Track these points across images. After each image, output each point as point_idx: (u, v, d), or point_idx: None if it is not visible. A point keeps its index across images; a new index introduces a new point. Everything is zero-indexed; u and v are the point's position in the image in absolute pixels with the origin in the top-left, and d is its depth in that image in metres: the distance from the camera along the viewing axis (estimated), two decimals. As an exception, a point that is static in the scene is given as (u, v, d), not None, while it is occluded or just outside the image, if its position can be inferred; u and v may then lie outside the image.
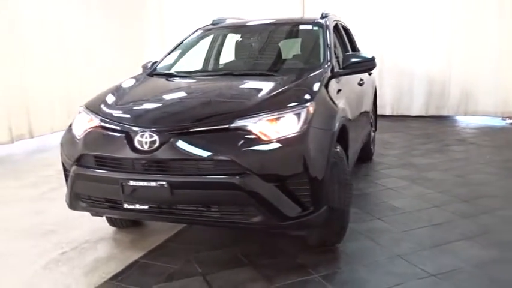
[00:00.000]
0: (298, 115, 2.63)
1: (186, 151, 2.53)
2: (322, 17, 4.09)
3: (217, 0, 9.03)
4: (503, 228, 3.39)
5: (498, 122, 8.03)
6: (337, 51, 4.20)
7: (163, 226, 3.56)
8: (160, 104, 2.97)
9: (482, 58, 7.91)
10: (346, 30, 5.10)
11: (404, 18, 8.39)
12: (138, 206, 2.63)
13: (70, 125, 3.06)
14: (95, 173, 2.72)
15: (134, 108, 2.94)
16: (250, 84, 3.24)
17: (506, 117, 8.03)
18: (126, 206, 2.65)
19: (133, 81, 3.52)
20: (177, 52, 4.09)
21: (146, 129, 2.60)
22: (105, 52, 8.22)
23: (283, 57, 3.88)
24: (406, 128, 7.71)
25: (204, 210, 2.60)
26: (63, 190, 3.09)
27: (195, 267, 2.93)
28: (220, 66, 4.19)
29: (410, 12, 8.35)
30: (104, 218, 3.44)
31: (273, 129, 2.57)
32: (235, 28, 4.36)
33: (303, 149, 2.55)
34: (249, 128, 2.56)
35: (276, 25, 4.27)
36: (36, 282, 2.82)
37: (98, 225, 3.57)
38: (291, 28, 4.21)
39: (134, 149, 2.59)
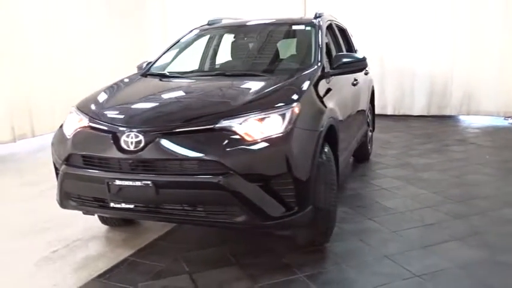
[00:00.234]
0: (283, 116, 2.65)
1: (171, 151, 2.56)
2: (315, 17, 4.09)
3: (220, -1, 9.06)
4: (493, 230, 3.38)
5: (500, 122, 7.96)
6: (331, 51, 4.23)
7: (155, 225, 3.60)
8: (148, 105, 3.00)
9: (485, 58, 7.86)
10: (343, 30, 5.10)
11: (406, 18, 8.34)
12: (124, 205, 2.67)
13: (61, 125, 3.11)
14: (82, 172, 2.77)
15: (122, 108, 2.97)
16: (239, 84, 3.26)
17: (508, 117, 7.96)
18: (112, 205, 2.69)
19: (125, 81, 3.56)
20: (172, 52, 4.13)
21: (132, 130, 2.63)
22: (107, 52, 8.28)
23: (275, 57, 3.89)
24: (407, 127, 7.68)
25: (189, 209, 2.63)
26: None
27: (183, 265, 2.96)
28: (212, 67, 4.21)
29: (412, 11, 8.30)
30: (97, 216, 3.49)
31: (257, 129, 2.59)
32: (229, 28, 4.38)
33: (286, 149, 2.57)
34: (233, 128, 2.58)
35: (269, 25, 4.28)
36: (25, 280, 2.87)
37: (92, 224, 3.62)
38: (283, 28, 4.22)
39: (120, 149, 2.63)
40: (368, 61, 7.34)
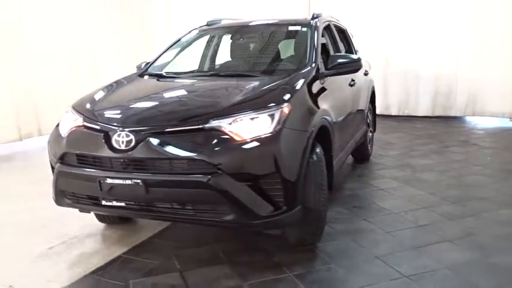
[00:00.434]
0: (272, 116, 2.68)
1: (160, 150, 2.60)
2: (313, 18, 4.12)
3: (225, -1, 9.10)
4: (486, 231, 3.37)
5: (506, 124, 7.89)
6: (328, 52, 4.25)
7: (151, 223, 3.65)
8: (140, 105, 3.05)
9: (490, 58, 7.78)
10: (342, 31, 5.12)
11: (411, 20, 8.30)
12: (115, 203, 2.72)
13: (57, 124, 3.17)
14: (76, 171, 2.83)
15: (115, 108, 3.02)
16: (231, 85, 3.29)
17: (514, 119, 7.90)
18: (104, 203, 2.74)
19: (121, 81, 3.62)
20: (170, 53, 4.18)
21: (123, 129, 2.68)
22: (112, 51, 8.36)
23: (270, 58, 3.92)
24: (410, 128, 7.65)
25: (179, 208, 2.68)
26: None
27: (174, 263, 3.01)
28: (208, 68, 4.25)
29: (417, 13, 8.25)
30: (93, 214, 3.55)
31: (246, 129, 2.62)
32: (227, 29, 4.42)
33: (274, 149, 2.60)
34: (222, 128, 2.62)
35: (266, 26, 4.30)
36: (21, 275, 2.93)
37: (89, 222, 3.66)
38: (280, 29, 4.24)
39: (112, 148, 2.68)
40: (373, 62, 7.37)
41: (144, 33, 9.16)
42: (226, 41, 4.34)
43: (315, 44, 3.68)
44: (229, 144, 2.58)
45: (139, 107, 3.00)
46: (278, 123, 2.66)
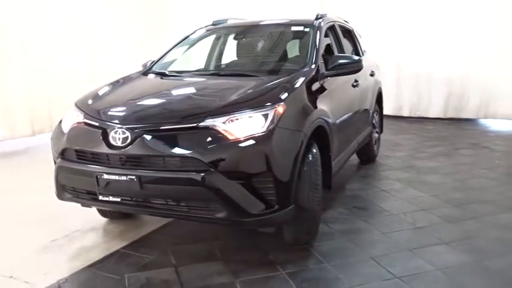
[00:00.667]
0: (266, 115, 2.71)
1: (155, 148, 2.66)
2: (317, 18, 4.13)
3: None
4: (484, 235, 3.35)
5: (519, 126, 7.78)
6: (332, 52, 4.25)
7: (152, 219, 3.70)
8: (139, 102, 3.10)
9: (504, 60, 7.67)
10: (349, 32, 5.11)
11: (424, 21, 8.22)
12: (111, 198, 2.79)
13: (60, 120, 3.26)
14: (75, 166, 2.90)
15: (114, 105, 3.09)
16: (230, 84, 3.33)
17: (528, 121, 7.77)
18: (101, 198, 2.81)
19: (124, 79, 3.69)
20: (175, 52, 4.24)
21: (120, 126, 2.75)
22: (126, 51, 8.49)
23: (271, 58, 3.96)
24: (421, 130, 7.59)
25: (173, 204, 2.73)
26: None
27: (170, 259, 3.07)
28: (210, 67, 4.29)
29: (430, 14, 8.17)
30: (96, 209, 3.63)
31: (239, 128, 2.66)
32: (230, 29, 4.45)
33: (267, 148, 2.63)
34: (216, 127, 2.66)
35: (270, 26, 4.33)
36: (22, 266, 3.01)
37: (93, 216, 3.74)
38: (282, 29, 4.26)
39: (109, 144, 2.75)
40: (385, 63, 7.37)
41: (157, 33, 9.27)
42: (230, 41, 4.38)
43: (317, 44, 3.69)
44: (222, 142, 2.62)
45: (137, 105, 3.06)
46: (271, 122, 2.69)
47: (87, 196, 2.97)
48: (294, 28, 4.19)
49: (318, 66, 3.51)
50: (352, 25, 5.38)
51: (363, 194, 4.34)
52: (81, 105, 3.17)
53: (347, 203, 4.06)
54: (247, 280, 2.76)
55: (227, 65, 4.13)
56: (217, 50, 4.41)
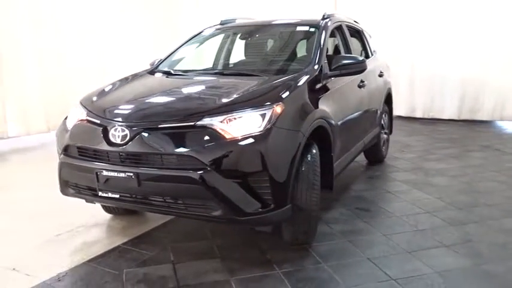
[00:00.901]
0: (263, 115, 2.73)
1: (153, 145, 2.70)
2: (323, 18, 4.12)
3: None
4: (487, 239, 3.30)
5: (535, 129, 7.63)
6: (339, 53, 4.25)
7: (155, 216, 3.75)
8: (139, 100, 3.15)
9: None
10: (358, 32, 5.09)
11: (438, 22, 8.15)
12: (110, 195, 2.84)
13: (65, 117, 3.32)
14: (76, 162, 2.96)
15: (115, 103, 3.14)
16: (231, 83, 3.35)
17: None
18: (100, 194, 2.87)
19: (129, 78, 3.75)
20: (182, 51, 4.28)
21: (119, 124, 2.80)
22: (140, 49, 8.59)
23: (276, 57, 3.96)
24: (433, 131, 7.50)
25: (171, 202, 2.77)
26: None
27: (169, 255, 3.11)
28: (215, 66, 4.32)
29: (445, 15, 8.08)
30: (100, 205, 3.69)
31: (236, 128, 2.68)
32: (236, 29, 4.47)
33: (263, 148, 2.64)
34: (214, 126, 2.69)
35: (276, 26, 4.34)
36: (25, 259, 3.09)
37: (98, 212, 3.80)
38: (288, 29, 4.26)
39: (109, 141, 2.80)
40: (398, 64, 7.33)
41: (171, 31, 9.35)
42: (236, 40, 4.40)
43: (321, 44, 3.69)
44: (219, 141, 2.64)
45: (138, 103, 3.10)
46: (269, 122, 2.71)
47: (88, 192, 3.02)
48: (299, 28, 4.20)
49: (322, 66, 3.50)
50: (362, 25, 5.35)
51: (367, 195, 4.32)
52: (84, 103, 3.23)
53: (350, 204, 4.05)
54: (243, 278, 2.78)
55: (232, 64, 4.17)
56: (224, 49, 4.44)
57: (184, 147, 2.65)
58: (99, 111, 3.02)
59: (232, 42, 4.43)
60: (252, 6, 8.98)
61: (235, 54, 4.31)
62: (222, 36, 4.49)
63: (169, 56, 4.22)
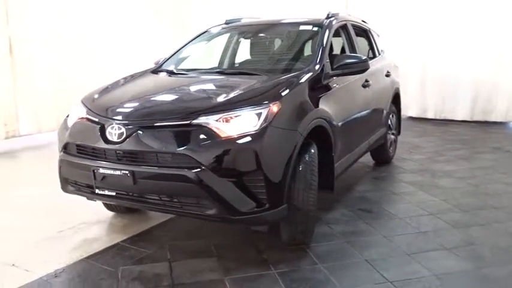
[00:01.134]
0: (259, 114, 2.71)
1: (148, 144, 2.71)
2: (327, 17, 4.08)
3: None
4: (489, 242, 3.23)
5: (550, 131, 7.46)
6: (344, 52, 4.21)
7: (157, 214, 3.74)
8: (137, 99, 3.15)
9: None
10: (365, 31, 5.04)
11: (450, 22, 8.04)
12: (107, 192, 2.86)
13: (67, 116, 3.36)
14: (75, 160, 2.99)
15: (114, 102, 3.16)
16: (230, 82, 3.35)
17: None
18: (97, 191, 2.89)
19: (132, 76, 3.77)
20: (187, 50, 4.28)
21: (116, 122, 2.81)
22: (150, 49, 8.64)
23: (278, 56, 3.96)
24: (444, 132, 7.39)
25: (167, 200, 2.77)
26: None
27: (166, 253, 3.11)
28: (217, 65, 4.32)
29: (457, 16, 7.96)
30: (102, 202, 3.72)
31: (232, 126, 2.67)
32: (241, 28, 4.46)
33: (258, 147, 2.62)
34: (209, 124, 2.68)
35: (279, 25, 4.33)
36: (25, 255, 3.13)
37: (100, 209, 3.83)
38: (291, 28, 4.24)
39: (106, 139, 2.82)
40: (409, 64, 7.24)
41: (182, 31, 9.40)
42: (240, 40, 4.39)
43: (324, 43, 3.66)
44: (214, 140, 2.63)
45: (136, 102, 3.11)
46: (264, 121, 2.69)
47: (87, 189, 3.04)
48: (303, 27, 4.17)
49: (323, 65, 3.47)
50: (369, 24, 5.30)
51: (370, 196, 4.26)
52: (85, 101, 3.26)
53: (352, 205, 4.00)
54: (237, 278, 2.77)
55: (234, 63, 4.16)
56: (227, 48, 4.43)
57: (179, 145, 2.65)
58: (98, 110, 3.05)
59: (236, 42, 4.42)
60: (262, 5, 8.97)
61: (239, 53, 4.30)
62: (226, 35, 4.48)
63: (173, 55, 4.24)
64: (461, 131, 7.51)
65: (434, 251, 3.10)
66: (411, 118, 8.65)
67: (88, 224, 3.67)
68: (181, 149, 2.63)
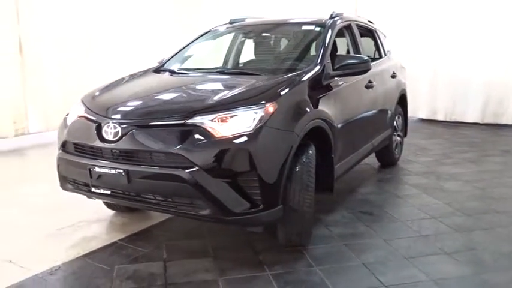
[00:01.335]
0: (255, 114, 2.69)
1: (142, 143, 2.70)
2: (331, 17, 4.04)
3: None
4: (491, 247, 3.16)
5: (563, 134, 7.29)
6: (348, 52, 4.17)
7: (157, 213, 3.74)
8: (135, 98, 3.15)
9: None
10: (371, 31, 4.98)
11: (461, 24, 7.88)
12: (102, 191, 2.87)
13: (67, 114, 3.38)
14: (72, 158, 3.00)
15: (111, 101, 3.16)
16: (228, 82, 3.33)
17: None
18: (93, 189, 2.90)
19: (133, 76, 3.78)
20: (189, 49, 4.28)
21: (111, 121, 2.81)
22: (160, 49, 8.67)
23: (279, 56, 3.93)
24: (454, 135, 7.27)
25: (161, 199, 2.77)
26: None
27: (162, 253, 3.11)
28: (217, 65, 4.31)
29: (468, 16, 7.82)
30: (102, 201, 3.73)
31: (226, 126, 2.66)
32: (244, 28, 4.44)
33: (252, 147, 2.60)
34: (204, 124, 2.67)
35: (283, 25, 4.30)
36: (22, 252, 3.15)
37: (101, 208, 3.84)
38: (293, 28, 4.22)
39: (101, 138, 2.82)
40: (420, 66, 7.15)
41: (193, 31, 9.41)
42: (242, 39, 4.38)
43: (325, 43, 3.62)
44: (208, 140, 2.62)
45: (134, 101, 3.10)
46: (260, 121, 2.67)
47: (84, 188, 3.05)
48: (305, 27, 4.14)
49: (324, 66, 3.43)
50: (375, 25, 5.24)
51: (373, 199, 4.21)
52: (85, 100, 3.27)
53: (353, 207, 3.96)
54: (231, 279, 2.75)
55: (236, 63, 4.14)
56: (230, 48, 4.42)
57: (173, 145, 2.64)
58: (96, 108, 3.06)
59: (239, 41, 4.40)
60: (273, 5, 8.94)
61: (241, 53, 4.28)
62: (229, 35, 4.47)
63: (175, 54, 4.23)
64: (471, 133, 7.39)
65: (433, 255, 3.04)
66: (422, 120, 8.54)
67: (88, 222, 3.69)
68: (175, 148, 2.62)
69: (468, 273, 2.80)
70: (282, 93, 2.91)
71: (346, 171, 3.85)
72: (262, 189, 2.64)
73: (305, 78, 3.20)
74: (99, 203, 3.71)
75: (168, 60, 4.15)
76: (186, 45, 4.32)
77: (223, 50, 4.41)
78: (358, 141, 4.04)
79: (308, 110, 3.04)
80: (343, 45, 4.31)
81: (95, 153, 2.88)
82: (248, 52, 4.22)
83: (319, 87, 3.32)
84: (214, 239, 3.31)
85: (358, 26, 4.50)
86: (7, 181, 4.92)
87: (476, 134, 7.30)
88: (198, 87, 3.35)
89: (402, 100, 5.38)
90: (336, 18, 4.01)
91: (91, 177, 2.86)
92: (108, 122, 2.82)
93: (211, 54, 4.46)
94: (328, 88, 3.43)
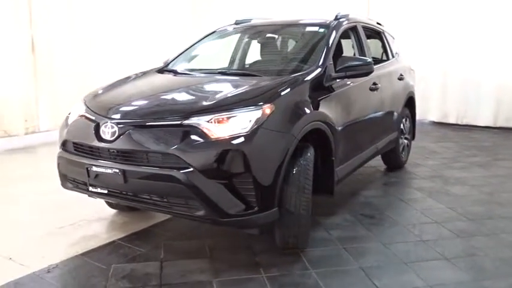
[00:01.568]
0: (251, 115, 2.68)
1: (138, 143, 2.71)
2: (336, 19, 4.02)
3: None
4: (492, 253, 3.09)
5: None
6: (353, 54, 4.14)
7: (158, 213, 3.77)
8: (133, 98, 3.17)
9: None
10: (378, 33, 4.94)
11: (473, 26, 7.77)
12: (99, 190, 2.89)
13: (69, 114, 3.41)
14: (71, 157, 3.03)
15: (111, 100, 3.18)
16: (229, 83, 3.33)
17: None
18: (91, 189, 2.92)
19: (135, 76, 3.80)
20: (193, 50, 4.29)
21: (109, 120, 2.83)
22: (170, 49, 8.72)
23: (282, 57, 3.91)
24: (464, 138, 7.17)
25: (157, 199, 2.77)
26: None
27: (160, 253, 3.12)
28: (219, 66, 4.30)
29: (480, 19, 7.70)
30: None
31: (222, 128, 2.65)
32: (249, 29, 4.42)
33: (247, 149, 2.59)
34: (200, 125, 2.66)
35: (287, 26, 4.28)
36: (22, 249, 3.19)
37: (103, 207, 3.87)
38: (299, 29, 4.20)
39: (99, 138, 2.84)
40: (430, 69, 7.05)
41: (201, 32, 9.45)
42: (246, 40, 4.37)
43: (328, 45, 3.60)
44: (204, 141, 2.62)
45: (132, 101, 3.11)
46: (256, 123, 2.66)
47: (83, 187, 3.08)
48: (309, 29, 4.12)
49: (326, 67, 3.41)
50: (383, 26, 5.19)
51: (376, 202, 4.17)
52: (86, 99, 3.30)
53: (355, 210, 3.92)
54: (226, 280, 2.75)
55: (237, 64, 4.15)
56: (234, 49, 4.42)
57: (169, 145, 2.65)
58: (95, 108, 3.08)
59: (244, 42, 4.40)
60: (283, 5, 8.91)
61: (245, 54, 4.28)
62: (234, 36, 4.47)
63: (180, 54, 4.24)
64: (482, 137, 7.27)
65: (433, 260, 3.00)
66: (433, 123, 8.43)
67: (89, 221, 3.72)
68: (170, 149, 2.62)
69: (467, 280, 2.75)
70: (280, 94, 2.89)
71: (348, 174, 3.81)
72: (257, 191, 2.63)
73: (305, 79, 3.18)
74: (101, 202, 3.73)
75: (172, 61, 4.16)
76: (191, 46, 4.33)
77: (227, 51, 4.41)
78: (361, 144, 4.00)
79: (307, 111, 3.02)
80: (349, 47, 4.29)
81: (93, 152, 2.90)
82: (252, 53, 4.20)
83: (320, 88, 3.30)
84: (213, 240, 3.31)
85: (365, 28, 4.46)
86: (14, 178, 4.99)
87: (487, 138, 7.18)
88: (198, 88, 3.35)
89: (410, 102, 5.31)
90: (341, 20, 3.99)
91: (89, 176, 2.88)
92: (106, 122, 2.84)
93: (216, 55, 4.46)
94: (330, 90, 3.40)
